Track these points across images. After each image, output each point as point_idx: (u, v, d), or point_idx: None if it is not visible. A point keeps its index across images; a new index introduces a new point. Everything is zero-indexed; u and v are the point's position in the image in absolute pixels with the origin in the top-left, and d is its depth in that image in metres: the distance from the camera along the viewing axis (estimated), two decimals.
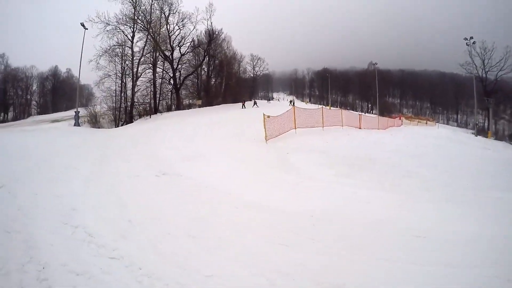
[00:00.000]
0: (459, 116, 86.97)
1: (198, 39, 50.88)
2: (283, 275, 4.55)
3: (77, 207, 6.71)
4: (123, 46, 40.16)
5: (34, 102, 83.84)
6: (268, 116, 15.97)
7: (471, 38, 51.91)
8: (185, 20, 47.19)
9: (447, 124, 78.78)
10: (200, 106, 45.35)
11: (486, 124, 65.69)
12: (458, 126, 77.91)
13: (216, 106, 45.30)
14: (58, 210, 6.54)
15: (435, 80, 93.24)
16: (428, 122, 50.38)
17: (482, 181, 12.59)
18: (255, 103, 42.97)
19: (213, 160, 12.15)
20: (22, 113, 76.78)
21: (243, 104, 41.31)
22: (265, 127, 15.60)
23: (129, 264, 4.76)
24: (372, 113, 57.59)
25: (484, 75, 62.71)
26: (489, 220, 7.47)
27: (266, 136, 15.50)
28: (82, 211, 6.55)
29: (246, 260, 4.93)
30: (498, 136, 60.10)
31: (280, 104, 53.55)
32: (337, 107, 52.81)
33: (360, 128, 22.82)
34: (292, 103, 47.98)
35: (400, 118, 41.16)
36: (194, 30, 49.00)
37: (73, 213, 6.44)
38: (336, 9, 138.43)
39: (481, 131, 54.55)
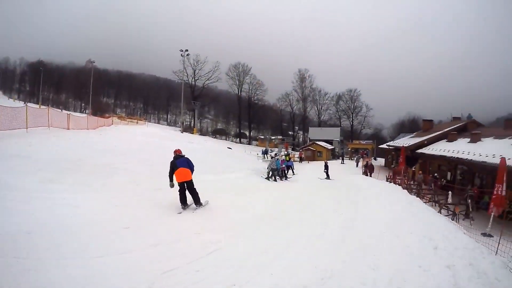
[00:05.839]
0: (169, 116, 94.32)
1: None
2: None
3: None
4: None
5: None
6: None
7: (186, 50, 62.32)
8: None
9: (159, 123, 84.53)
10: None
11: (192, 123, 75.62)
12: (168, 125, 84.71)
13: None
14: None
15: (150, 83, 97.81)
16: (138, 121, 52.52)
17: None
18: None
19: None
20: None
21: None
22: None
23: None
24: (86, 113, 55.76)
25: (193, 83, 77.44)
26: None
27: None
28: None
29: None
30: (202, 132, 71.28)
31: None
32: (48, 105, 48.24)
33: (69, 129, 21.76)
34: None
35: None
36: None
37: None
38: None
39: (188, 129, 62.49)
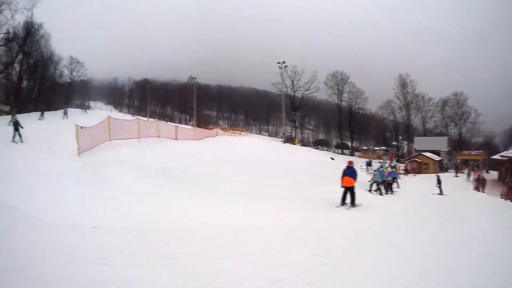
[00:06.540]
0: (270, 127, 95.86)
1: (14, 31, 42.09)
2: None
3: None
4: None
5: None
6: (81, 127, 14.89)
7: (284, 62, 63.14)
8: (3, 5, 39.14)
9: (260, 134, 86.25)
10: (7, 114, 38.26)
11: (293, 133, 75.77)
12: (269, 135, 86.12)
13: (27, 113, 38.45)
14: None
15: (250, 96, 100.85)
16: (241, 132, 54.05)
17: (292, 178, 14.31)
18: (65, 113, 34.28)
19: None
20: None
21: (65, 113, 33.96)
22: (77, 139, 14.35)
23: None
24: (188, 124, 59.05)
25: (292, 94, 77.15)
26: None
27: (79, 149, 14.30)
28: None
29: None
30: (303, 143, 71.02)
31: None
32: (156, 118, 51.90)
33: (176, 139, 23.20)
34: None
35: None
36: (12, 19, 40.75)
37: None
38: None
39: (289, 139, 63.00)
